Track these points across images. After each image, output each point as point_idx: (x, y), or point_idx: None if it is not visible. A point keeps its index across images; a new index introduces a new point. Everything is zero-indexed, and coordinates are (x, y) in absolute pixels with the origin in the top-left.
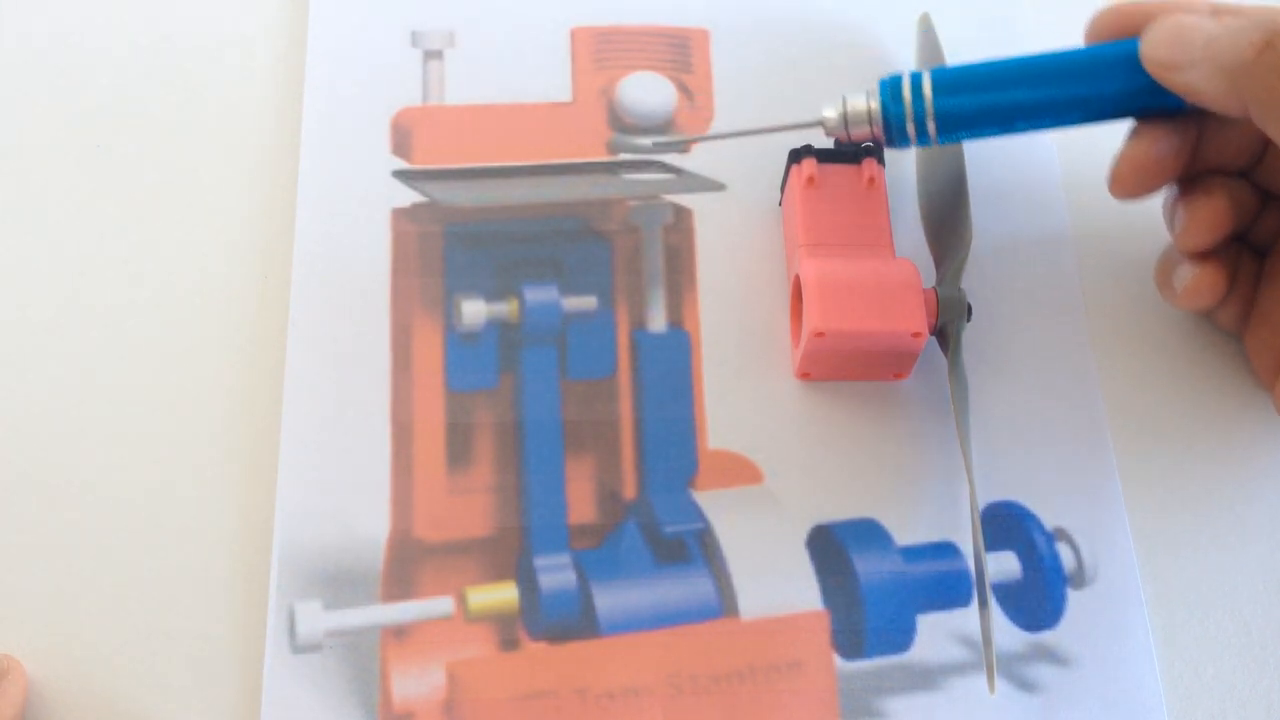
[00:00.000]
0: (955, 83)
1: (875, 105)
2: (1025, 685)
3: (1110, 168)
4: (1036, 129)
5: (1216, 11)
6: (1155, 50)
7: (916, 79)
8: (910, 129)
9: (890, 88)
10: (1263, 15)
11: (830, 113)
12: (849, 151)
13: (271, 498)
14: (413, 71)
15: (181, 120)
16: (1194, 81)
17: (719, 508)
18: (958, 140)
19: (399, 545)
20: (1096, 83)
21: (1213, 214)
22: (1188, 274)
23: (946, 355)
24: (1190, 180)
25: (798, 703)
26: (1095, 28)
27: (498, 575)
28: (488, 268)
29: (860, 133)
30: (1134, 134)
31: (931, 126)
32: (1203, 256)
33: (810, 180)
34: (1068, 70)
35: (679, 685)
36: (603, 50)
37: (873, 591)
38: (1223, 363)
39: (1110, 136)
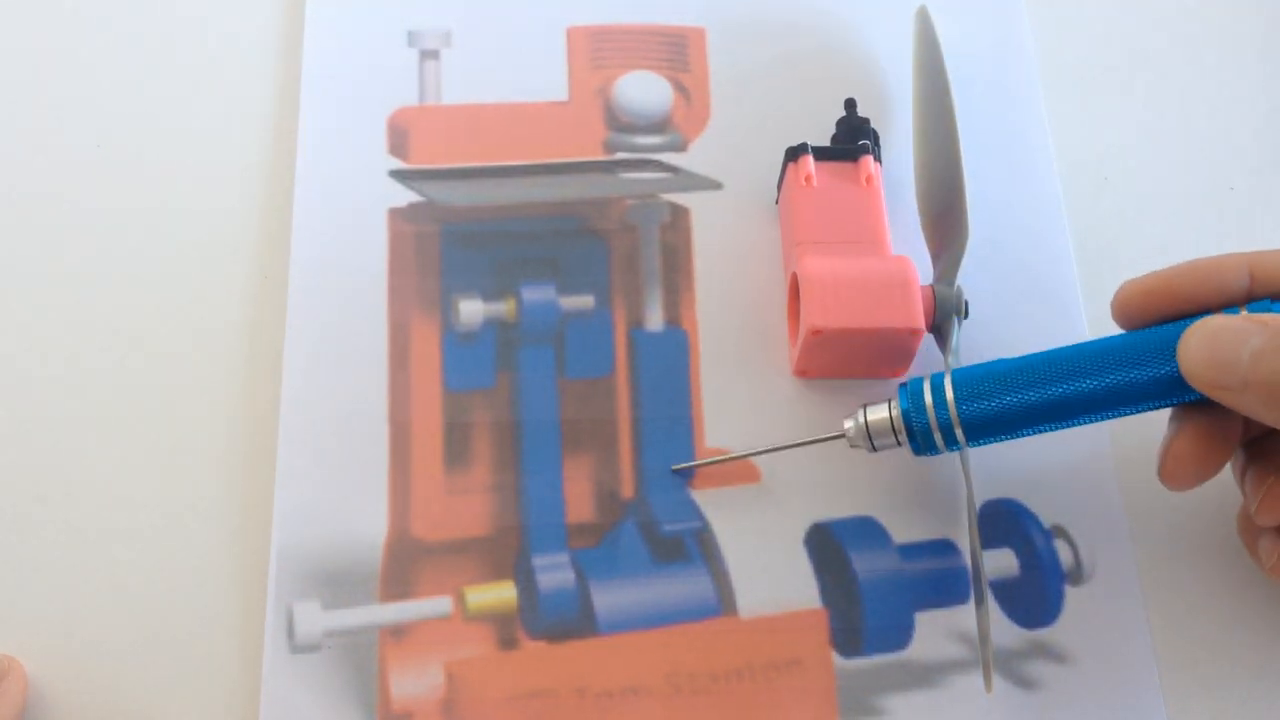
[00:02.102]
0: (979, 389)
1: (897, 414)
2: (1023, 682)
3: (1158, 458)
4: (1084, 421)
5: (1259, 319)
6: (1195, 368)
7: (938, 383)
8: (938, 439)
9: (912, 397)
10: None
11: (849, 424)
12: (846, 149)
13: (270, 498)
14: (409, 71)
15: (180, 121)
16: (1245, 405)
17: (717, 506)
18: (991, 442)
19: (397, 545)
20: (1132, 376)
21: None
22: (1274, 549)
23: (943, 352)
24: (1258, 444)
25: (796, 701)
26: (1122, 306)
27: (496, 575)
28: (485, 267)
29: (885, 444)
30: (1178, 424)
31: (960, 432)
32: None
33: (807, 178)
34: (1113, 362)
35: (678, 684)
36: (599, 49)
37: (871, 589)
38: None
39: (1110, 130)
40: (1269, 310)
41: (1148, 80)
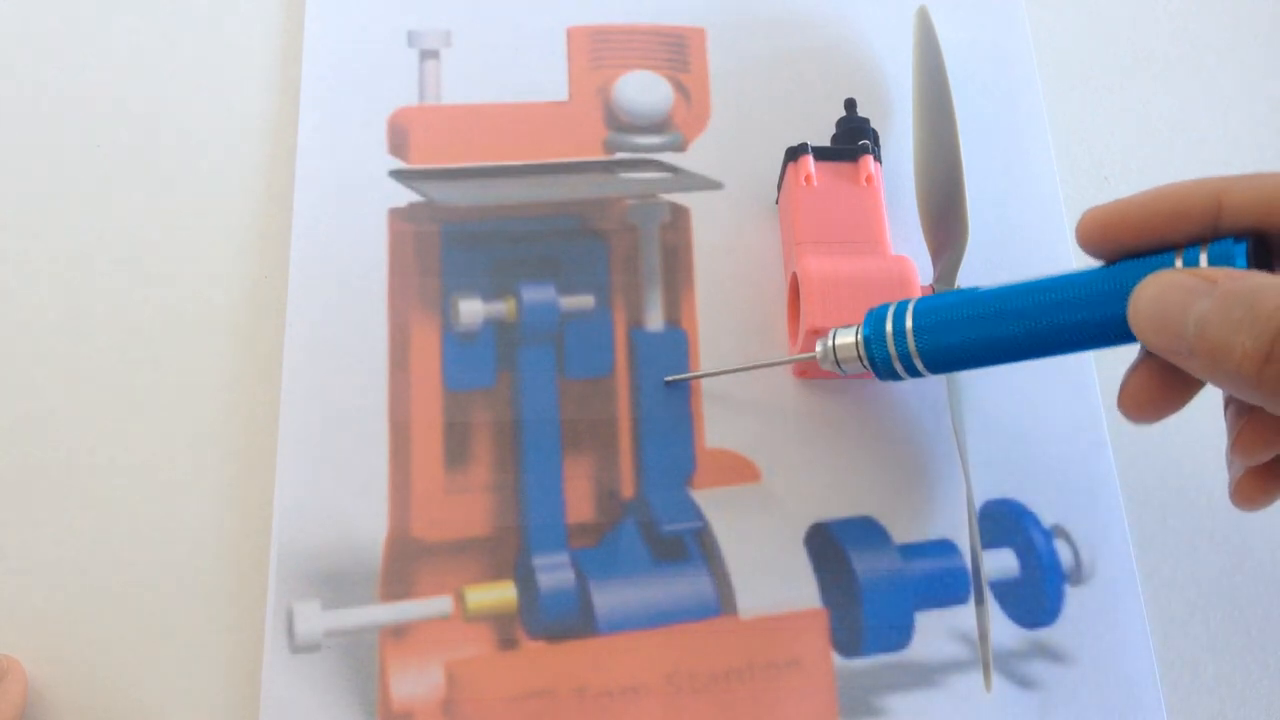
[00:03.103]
0: (939, 320)
1: (862, 341)
2: (1023, 682)
3: (1120, 386)
4: (1043, 356)
5: (1209, 276)
6: (1143, 330)
7: (900, 313)
8: (898, 368)
9: (873, 325)
10: (1257, 302)
11: (820, 347)
12: (845, 149)
13: (270, 498)
14: (409, 71)
15: (180, 121)
16: (1192, 369)
17: (717, 506)
18: (955, 371)
19: (397, 545)
20: (1092, 315)
21: (1264, 437)
22: (1244, 481)
23: None
24: None
25: (796, 700)
26: (1085, 234)
27: (496, 574)
28: (485, 267)
29: (853, 368)
30: (1142, 357)
31: (919, 364)
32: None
33: (807, 178)
34: (1065, 300)
35: (678, 684)
36: (599, 50)
37: (871, 589)
38: None
39: (1110, 130)
40: (1229, 254)
41: (1148, 80)
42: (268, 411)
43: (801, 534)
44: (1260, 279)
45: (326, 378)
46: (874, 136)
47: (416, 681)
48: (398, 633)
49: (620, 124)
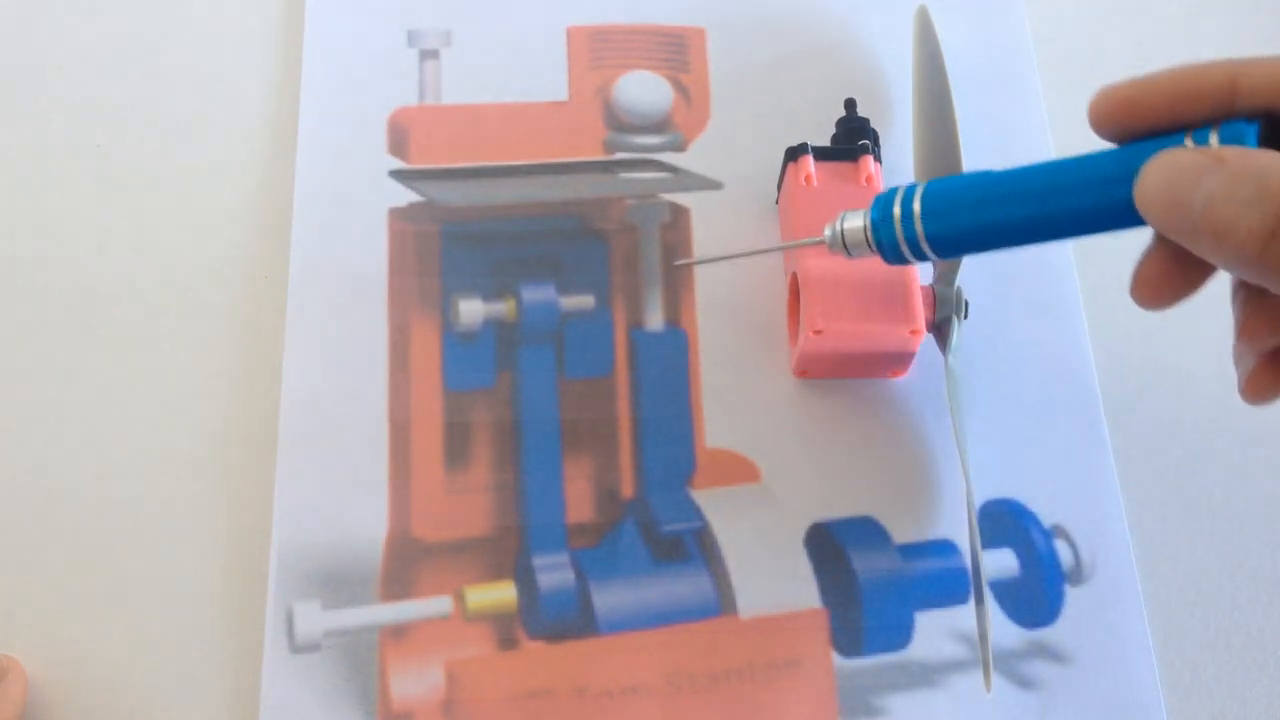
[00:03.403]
0: (946, 204)
1: (870, 225)
2: (1023, 682)
3: (1131, 274)
4: (1049, 241)
5: (1218, 155)
6: (1150, 207)
7: (909, 196)
8: (905, 251)
9: (881, 208)
10: (1264, 180)
11: (828, 231)
12: (845, 149)
13: (269, 498)
14: (409, 71)
15: (180, 120)
16: (1198, 249)
17: (717, 506)
18: (960, 256)
19: (397, 545)
20: (1100, 197)
21: (1269, 324)
22: (1248, 365)
23: (943, 352)
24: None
25: (796, 701)
26: (1096, 116)
27: (496, 574)
28: (485, 267)
29: (861, 251)
30: (1153, 243)
31: (926, 247)
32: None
33: (807, 178)
34: (1073, 183)
35: (678, 684)
36: (599, 49)
37: (871, 589)
38: (1221, 359)
39: None
40: (1240, 134)
41: None
42: (268, 411)
43: (801, 534)
44: (1269, 158)
45: (326, 378)
46: (874, 136)
47: (416, 681)
48: (398, 633)
49: (620, 124)
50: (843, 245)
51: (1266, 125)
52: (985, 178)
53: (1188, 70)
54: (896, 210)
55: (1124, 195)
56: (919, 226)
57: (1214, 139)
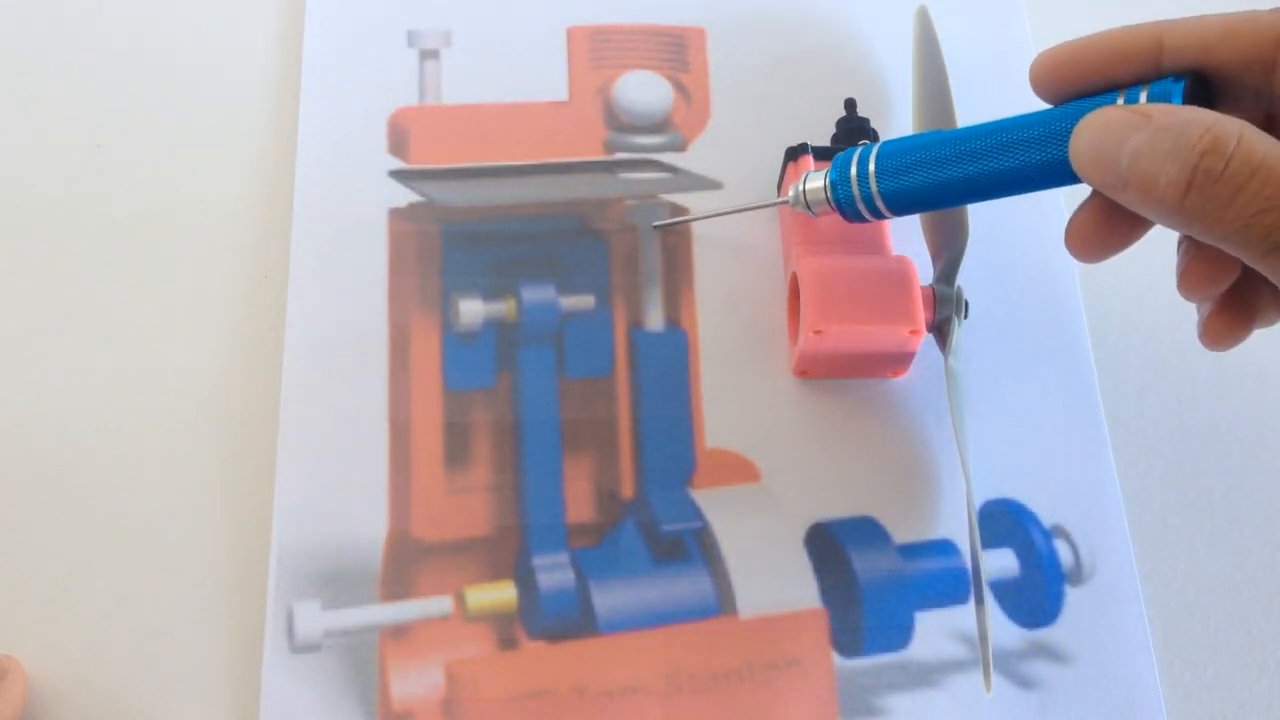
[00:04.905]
0: (899, 164)
1: (829, 185)
2: (1023, 682)
3: (1065, 228)
4: (995, 198)
5: (1144, 112)
6: (1082, 165)
7: (864, 158)
8: (862, 209)
9: (839, 168)
10: (1183, 134)
11: (791, 191)
12: (845, 149)
13: (269, 498)
14: (409, 71)
15: (180, 121)
16: (1127, 203)
17: (717, 506)
18: (915, 212)
19: (397, 545)
20: (1040, 155)
21: (1208, 273)
22: (1209, 320)
23: (944, 352)
24: None
25: (796, 701)
26: (1036, 78)
27: (496, 574)
28: (485, 267)
29: (823, 210)
30: (1089, 196)
31: (881, 205)
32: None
33: None
34: (1013, 142)
35: (678, 684)
36: (599, 49)
37: (871, 589)
38: (1222, 358)
39: None
40: (1168, 92)
41: None
42: (268, 411)
43: (801, 534)
44: (1190, 113)
45: (326, 378)
46: (874, 136)
47: (416, 681)
48: (398, 633)
49: (620, 124)
50: (805, 204)
51: (1194, 83)
52: (934, 137)
53: (1118, 32)
54: (853, 170)
55: (1061, 153)
56: (874, 185)
57: (1143, 97)
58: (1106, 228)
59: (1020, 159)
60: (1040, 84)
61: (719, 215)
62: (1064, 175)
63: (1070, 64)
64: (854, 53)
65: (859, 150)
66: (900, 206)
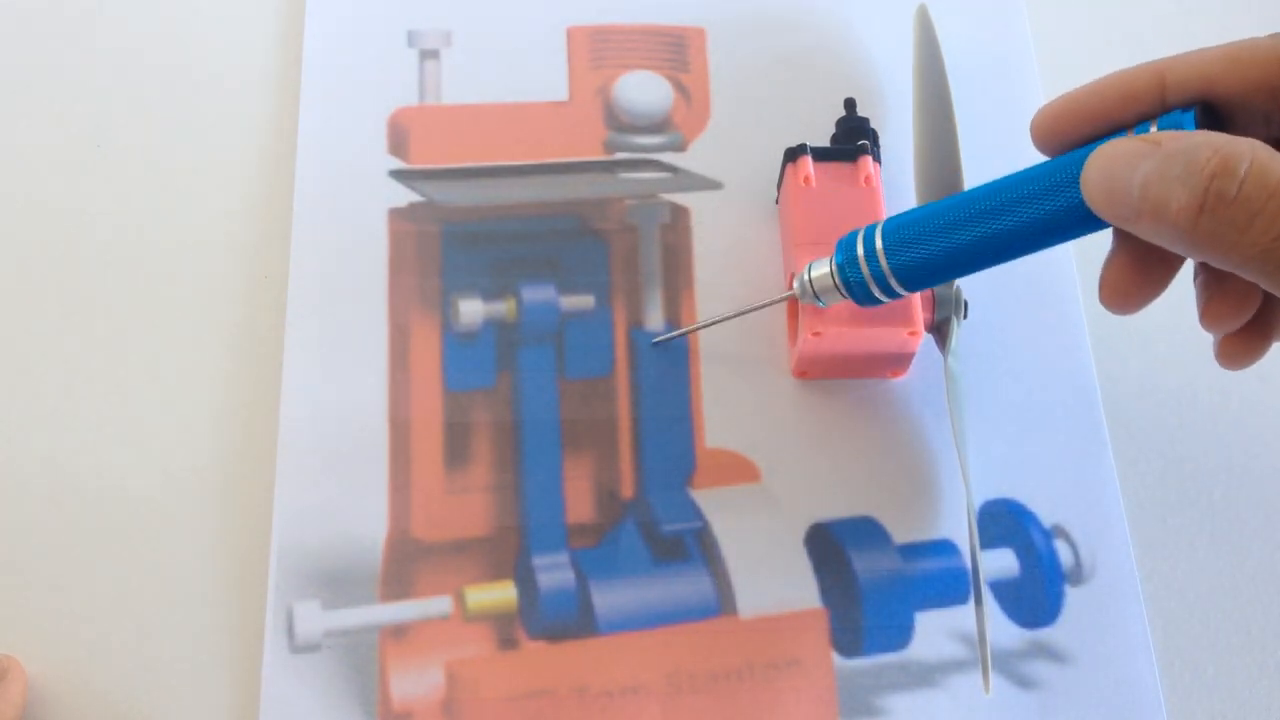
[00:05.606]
0: (907, 236)
1: (836, 269)
2: (1023, 682)
3: (1099, 279)
4: (1013, 258)
5: (1154, 140)
6: (1095, 200)
7: (870, 235)
8: (874, 290)
9: (845, 250)
10: (1192, 157)
11: (796, 283)
12: (844, 150)
13: (269, 498)
14: (409, 71)
15: (180, 121)
16: (1142, 233)
17: (717, 506)
18: (930, 287)
19: (397, 545)
20: (1053, 204)
21: (1231, 306)
22: (1224, 343)
23: (943, 352)
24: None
25: (796, 701)
26: (1038, 131)
27: (496, 574)
28: (485, 267)
29: (832, 298)
30: (1116, 244)
31: (894, 282)
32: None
33: (806, 179)
34: (1024, 195)
35: (678, 684)
36: (599, 49)
37: (871, 589)
38: None
39: None
40: (1178, 123)
41: None
42: (268, 411)
43: (801, 534)
44: (1199, 137)
45: (326, 378)
46: (873, 136)
47: (416, 681)
48: (398, 633)
49: (620, 124)
50: (813, 294)
51: (1203, 113)
52: (941, 204)
53: (1117, 75)
54: (859, 249)
55: (1075, 198)
56: (884, 262)
57: (1154, 129)
58: (1138, 274)
59: (1033, 211)
60: (1043, 138)
61: (721, 321)
62: (1080, 222)
63: (1073, 113)
64: (854, 52)
65: (862, 230)
66: (914, 280)
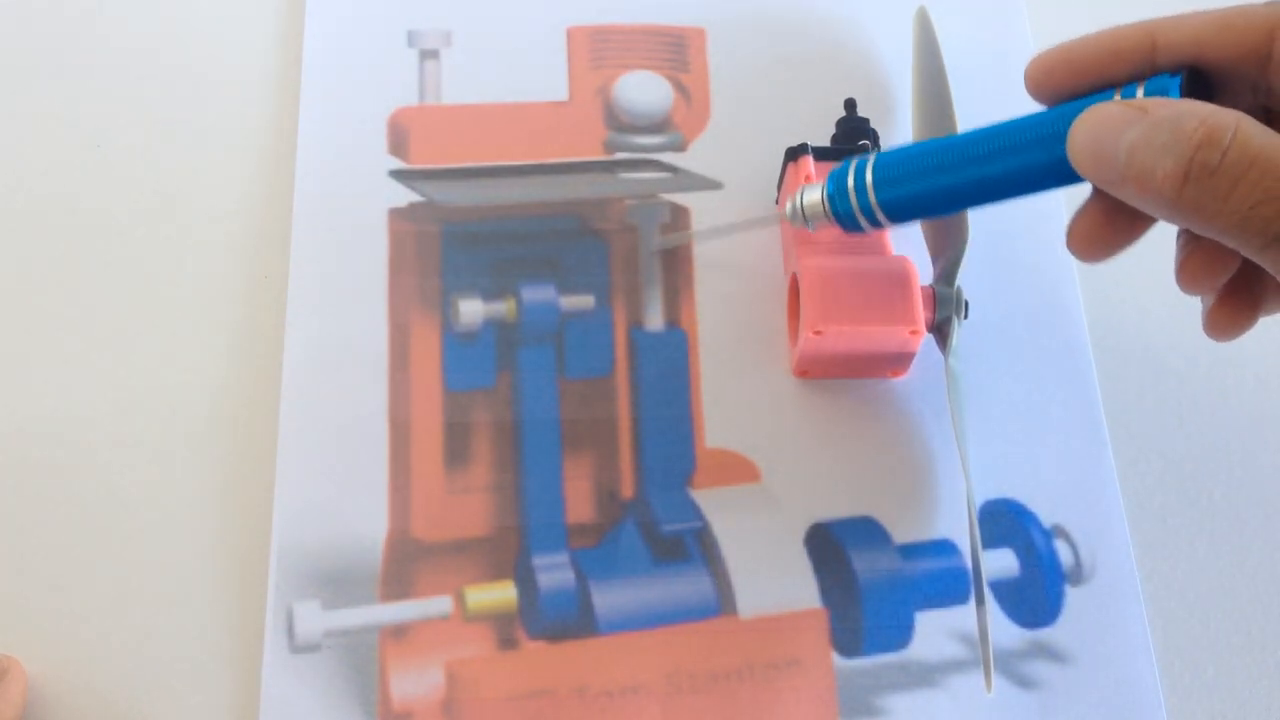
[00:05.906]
0: (897, 173)
1: (826, 198)
2: (1024, 682)
3: (1067, 229)
4: (996, 202)
5: (1141, 106)
6: (1080, 161)
7: (861, 169)
8: (861, 220)
9: (836, 181)
10: (1179, 125)
11: (788, 205)
12: (845, 150)
13: (270, 498)
14: (409, 71)
15: (180, 121)
16: (1125, 197)
17: (717, 506)
18: (914, 221)
19: (397, 545)
20: (1038, 156)
21: (1207, 266)
22: (1208, 303)
23: (944, 352)
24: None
25: (796, 701)
26: (1031, 81)
27: (496, 574)
28: (485, 267)
29: (821, 224)
30: (1091, 195)
31: (880, 215)
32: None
33: (807, 178)
34: (1011, 144)
35: (678, 683)
36: (599, 49)
37: (871, 589)
38: (1222, 358)
39: None
40: (1165, 87)
41: None
42: (268, 411)
43: (801, 534)
44: (1186, 105)
45: (326, 378)
46: (874, 136)
47: (416, 681)
48: (398, 633)
49: (620, 124)
50: (803, 218)
51: (1191, 78)
52: (932, 145)
53: (1111, 31)
54: (850, 181)
55: (1060, 153)
56: (872, 196)
57: (1140, 93)
58: (1108, 227)
59: (1019, 161)
60: (1035, 87)
61: (715, 233)
62: (1063, 175)
63: (1064, 66)
64: (854, 53)
65: (855, 161)
66: (899, 215)
